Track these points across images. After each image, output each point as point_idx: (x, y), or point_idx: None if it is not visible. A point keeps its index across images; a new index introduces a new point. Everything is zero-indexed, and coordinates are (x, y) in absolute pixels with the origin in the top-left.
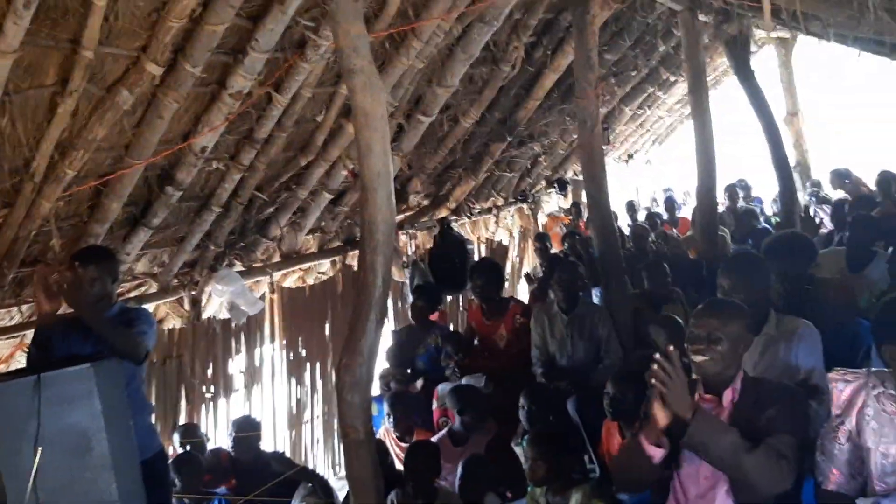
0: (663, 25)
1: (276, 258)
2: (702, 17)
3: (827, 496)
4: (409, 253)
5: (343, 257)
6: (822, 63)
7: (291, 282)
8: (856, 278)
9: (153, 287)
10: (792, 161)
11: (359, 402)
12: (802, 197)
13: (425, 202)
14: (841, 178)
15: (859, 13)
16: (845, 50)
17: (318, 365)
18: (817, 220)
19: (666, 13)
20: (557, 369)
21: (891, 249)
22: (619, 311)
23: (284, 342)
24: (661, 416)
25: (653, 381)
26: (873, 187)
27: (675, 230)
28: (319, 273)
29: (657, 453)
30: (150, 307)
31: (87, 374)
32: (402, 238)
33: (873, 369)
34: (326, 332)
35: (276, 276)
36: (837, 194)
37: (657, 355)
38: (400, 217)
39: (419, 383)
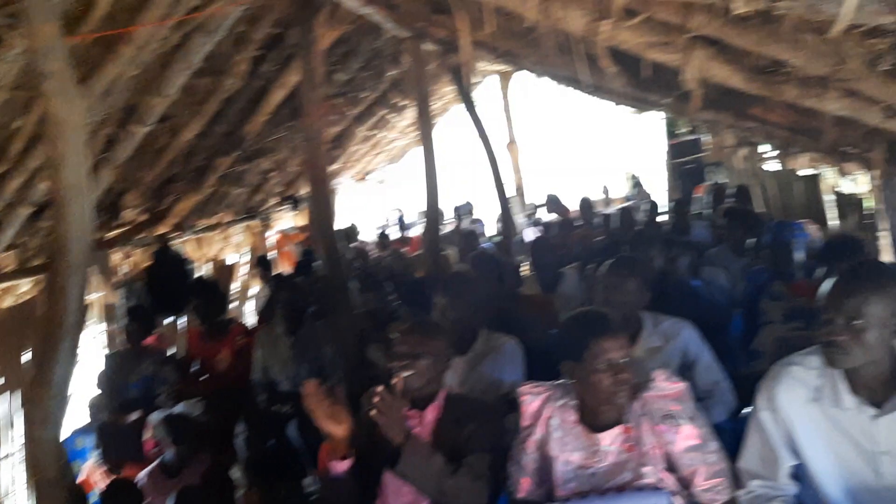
0: (392, 51)
1: None
2: (427, 46)
3: None
4: (123, 272)
5: (47, 276)
6: (542, 95)
7: None
8: (554, 295)
9: None
10: (511, 186)
11: (49, 438)
12: (520, 219)
13: (142, 218)
14: (552, 202)
15: (550, 54)
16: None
17: (17, 396)
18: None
19: (394, 39)
20: (280, 393)
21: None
22: (344, 331)
23: None
24: (336, 430)
25: (372, 409)
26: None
27: (404, 249)
28: (19, 294)
29: (342, 466)
30: None
31: None
32: (116, 257)
33: (558, 382)
34: (25, 360)
35: None
36: (550, 217)
37: (380, 388)
38: (113, 234)
39: (132, 413)
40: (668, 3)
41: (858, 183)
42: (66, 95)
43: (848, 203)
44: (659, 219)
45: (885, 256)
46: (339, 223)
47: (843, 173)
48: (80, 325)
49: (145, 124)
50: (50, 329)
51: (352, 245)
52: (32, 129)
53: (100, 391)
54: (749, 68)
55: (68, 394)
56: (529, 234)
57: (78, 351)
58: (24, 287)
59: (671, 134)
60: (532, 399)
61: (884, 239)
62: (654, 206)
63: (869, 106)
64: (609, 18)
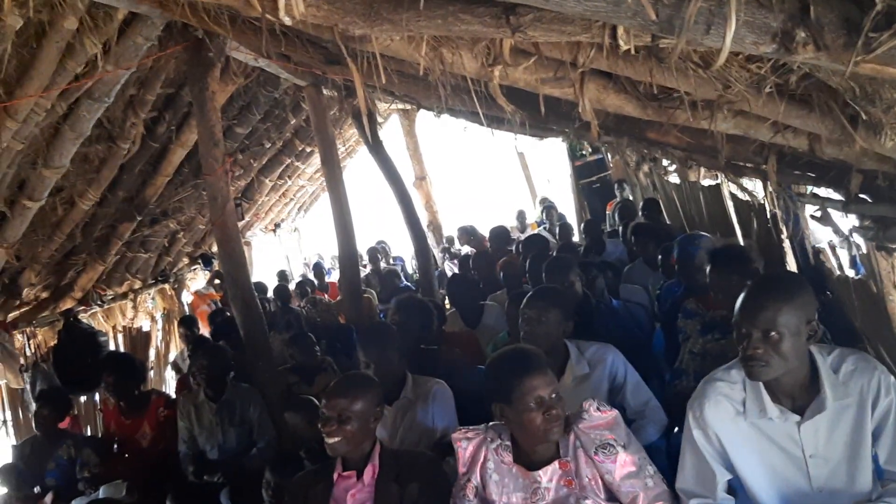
0: (291, 99)
1: None
2: (326, 92)
3: None
4: (28, 354)
5: None
6: (447, 129)
7: None
8: (478, 330)
9: None
10: (424, 221)
11: None
12: (436, 253)
13: (44, 294)
14: (467, 234)
15: (446, 95)
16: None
17: None
18: (449, 273)
19: (293, 88)
20: (208, 462)
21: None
22: (269, 389)
23: None
24: None
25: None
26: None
27: (325, 295)
28: None
29: None
30: None
31: None
32: (18, 338)
33: (491, 423)
34: None
35: None
36: (466, 248)
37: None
38: (13, 315)
39: (48, 500)
40: (556, 43)
41: (756, 191)
42: None
43: (749, 210)
44: (573, 239)
45: (789, 260)
46: (254, 277)
47: (740, 185)
48: None
49: (37, 199)
50: None
51: (270, 296)
52: None
53: (8, 486)
54: (642, 96)
55: None
56: (449, 268)
57: None
58: None
59: (574, 156)
60: (466, 444)
61: (786, 243)
62: (565, 227)
63: (758, 123)
64: (500, 62)
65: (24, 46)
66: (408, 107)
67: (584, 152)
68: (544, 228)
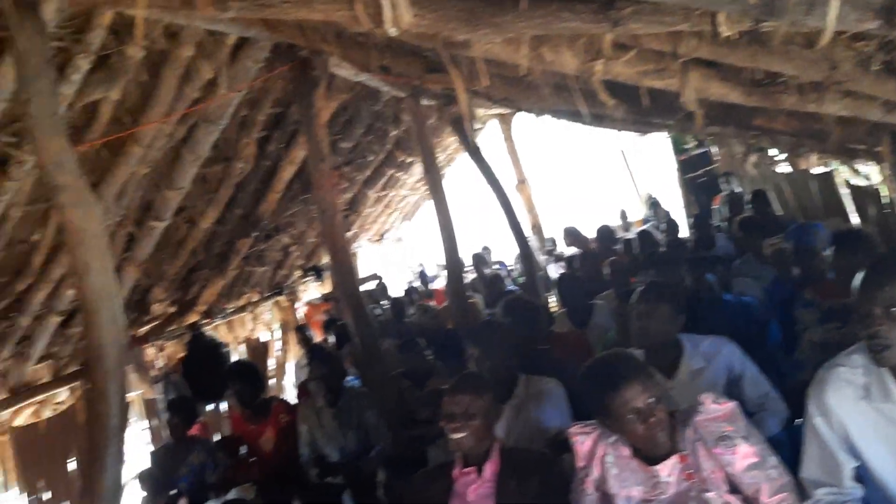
0: (392, 111)
1: (3, 395)
2: (425, 102)
3: None
4: (159, 366)
5: (82, 383)
6: (545, 131)
7: (25, 418)
8: (587, 329)
9: None
10: (527, 225)
11: None
12: (541, 256)
13: (171, 309)
14: (571, 235)
15: (547, 95)
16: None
17: None
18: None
19: (392, 100)
20: (329, 465)
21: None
22: (384, 394)
23: (23, 487)
24: None
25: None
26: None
27: (432, 302)
28: (57, 404)
29: None
30: None
31: None
32: (150, 351)
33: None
34: (71, 469)
35: (5, 414)
36: (571, 249)
37: None
38: (145, 329)
39: None
40: (656, 35)
41: (871, 175)
42: (81, 205)
43: (865, 195)
44: (680, 236)
45: None
46: (364, 286)
47: (854, 168)
48: (123, 428)
49: (163, 218)
50: (94, 435)
51: (381, 304)
52: (52, 239)
53: (146, 491)
54: (746, 83)
55: (119, 499)
56: (553, 270)
57: (124, 453)
58: (62, 396)
59: (679, 150)
60: (584, 439)
61: None
62: (673, 224)
63: (868, 103)
64: (601, 57)
65: (144, 76)
66: (506, 111)
67: (688, 146)
68: (652, 226)
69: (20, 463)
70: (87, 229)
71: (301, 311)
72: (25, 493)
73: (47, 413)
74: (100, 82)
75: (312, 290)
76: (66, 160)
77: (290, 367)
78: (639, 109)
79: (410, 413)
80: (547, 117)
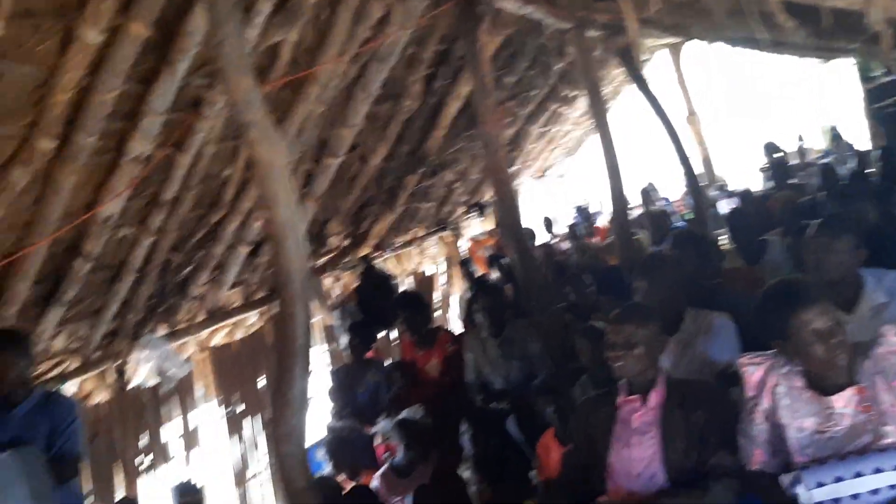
0: (555, 44)
1: (201, 317)
2: (591, 33)
3: (752, 477)
4: (335, 295)
5: (270, 307)
6: (718, 60)
7: (220, 338)
8: (760, 266)
9: (74, 363)
10: (696, 159)
11: (294, 452)
12: (712, 192)
13: (346, 242)
14: (770, 150)
15: (721, 19)
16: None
17: (258, 419)
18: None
19: (556, 32)
20: (494, 391)
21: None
22: (548, 327)
23: (220, 400)
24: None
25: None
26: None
27: (594, 240)
28: (248, 326)
29: None
30: (73, 384)
31: (9, 461)
32: (327, 281)
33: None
34: (261, 385)
35: (204, 334)
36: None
37: None
38: (322, 260)
39: (363, 422)
40: None
41: None
42: (268, 140)
43: None
44: (868, 168)
45: None
46: (526, 222)
47: None
48: (308, 347)
49: (337, 155)
50: (283, 353)
51: (545, 240)
52: (240, 175)
53: (332, 403)
54: None
55: (307, 410)
56: (724, 206)
57: (310, 369)
58: (251, 319)
59: (865, 78)
60: (754, 369)
61: None
62: (861, 156)
63: None
64: None
65: (317, 18)
66: (675, 40)
67: (875, 74)
68: (834, 158)
69: (217, 378)
70: (274, 163)
71: (465, 246)
72: (223, 406)
73: (240, 334)
74: (280, 24)
75: (476, 226)
76: (254, 98)
77: (455, 300)
78: (820, 32)
79: (572, 347)
80: (720, 45)
